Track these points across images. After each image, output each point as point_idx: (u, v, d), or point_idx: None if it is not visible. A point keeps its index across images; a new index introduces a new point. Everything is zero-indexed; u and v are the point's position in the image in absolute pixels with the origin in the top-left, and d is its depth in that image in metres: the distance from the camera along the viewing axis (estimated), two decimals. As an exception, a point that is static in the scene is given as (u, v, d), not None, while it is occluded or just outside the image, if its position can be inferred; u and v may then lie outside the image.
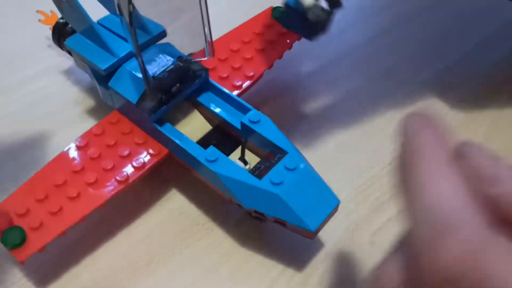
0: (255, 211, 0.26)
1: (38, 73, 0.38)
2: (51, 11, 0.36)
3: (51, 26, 0.35)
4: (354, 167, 0.33)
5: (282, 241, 0.30)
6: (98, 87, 0.31)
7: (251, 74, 0.33)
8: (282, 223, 0.26)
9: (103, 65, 0.29)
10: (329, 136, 0.35)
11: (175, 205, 0.31)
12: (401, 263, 0.17)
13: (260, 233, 0.30)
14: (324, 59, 0.40)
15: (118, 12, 0.24)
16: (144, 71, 0.26)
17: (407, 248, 0.17)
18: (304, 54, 0.39)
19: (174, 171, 0.32)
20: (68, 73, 0.38)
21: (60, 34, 0.33)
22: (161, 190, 0.32)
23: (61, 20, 0.33)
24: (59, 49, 0.36)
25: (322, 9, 0.26)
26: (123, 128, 0.30)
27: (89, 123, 0.35)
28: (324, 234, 0.29)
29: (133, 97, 0.28)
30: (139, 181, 0.29)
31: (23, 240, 0.25)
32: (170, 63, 0.28)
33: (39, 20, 0.36)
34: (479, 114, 0.36)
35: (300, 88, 0.38)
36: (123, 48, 0.29)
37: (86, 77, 0.37)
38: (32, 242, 0.25)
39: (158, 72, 0.28)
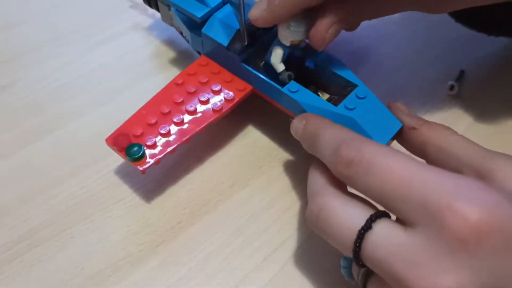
0: None
1: (123, 30, 0.43)
2: (138, -27, 0.41)
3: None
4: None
5: None
6: (189, 35, 0.36)
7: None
8: None
9: (199, 13, 0.33)
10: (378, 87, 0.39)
11: (250, 140, 0.36)
12: None
13: None
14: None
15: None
16: (244, 17, 0.31)
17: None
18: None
19: (248, 111, 0.37)
20: (150, 29, 0.43)
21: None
22: (239, 127, 0.37)
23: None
24: (139, 9, 0.41)
25: (289, 76, 0.32)
26: (213, 69, 0.35)
27: (172, 71, 0.40)
28: None
29: (225, 41, 0.33)
30: (228, 113, 0.34)
31: (143, 154, 0.30)
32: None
33: (126, -18, 0.41)
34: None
35: (355, 42, 0.42)
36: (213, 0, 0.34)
37: (166, 33, 0.42)
38: (149, 156, 0.30)
39: (247, 19, 0.33)
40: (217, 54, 0.35)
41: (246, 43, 0.32)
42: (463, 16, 0.39)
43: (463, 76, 0.39)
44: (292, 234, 0.32)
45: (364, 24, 0.43)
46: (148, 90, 0.37)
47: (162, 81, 0.39)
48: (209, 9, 0.34)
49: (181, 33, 0.37)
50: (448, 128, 0.27)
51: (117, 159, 0.34)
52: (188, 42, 0.37)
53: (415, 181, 0.21)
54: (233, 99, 0.33)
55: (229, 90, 0.34)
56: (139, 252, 0.31)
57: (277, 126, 0.36)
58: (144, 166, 0.30)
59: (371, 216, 0.22)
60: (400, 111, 0.29)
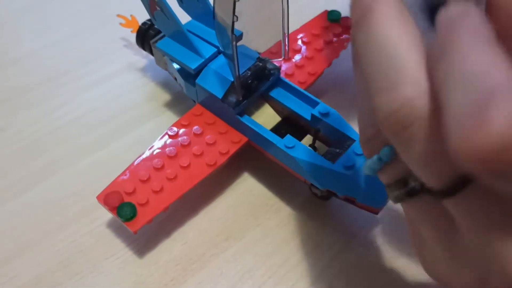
0: (328, 190, 0.31)
1: (117, 70, 0.42)
2: (131, 15, 0.40)
3: (132, 29, 0.39)
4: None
5: (344, 219, 0.34)
6: (183, 83, 0.35)
7: (313, 72, 0.37)
8: (352, 201, 0.30)
9: (193, 65, 0.33)
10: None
11: (246, 189, 0.35)
12: None
13: (323, 213, 0.34)
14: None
15: (216, 20, 0.28)
16: (237, 70, 0.30)
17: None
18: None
19: (244, 159, 0.36)
20: (144, 70, 0.42)
21: (144, 37, 0.37)
22: (234, 175, 0.36)
23: (145, 26, 0.38)
24: (133, 49, 0.40)
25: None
26: (207, 120, 0.34)
27: (166, 115, 0.39)
28: (383, 211, 0.34)
29: (219, 93, 0.32)
30: (223, 166, 0.33)
31: (134, 214, 0.29)
32: (252, 63, 0.32)
33: (120, 23, 0.40)
34: None
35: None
36: (208, 50, 0.33)
37: (160, 74, 0.41)
38: (141, 215, 0.30)
39: (242, 71, 0.32)
40: (211, 104, 0.34)
41: (240, 98, 0.32)
42: None
43: None
44: None
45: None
46: (141, 136, 0.37)
47: (156, 127, 0.38)
48: (203, 60, 0.33)
49: (175, 79, 0.37)
50: None
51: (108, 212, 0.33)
52: (182, 88, 0.36)
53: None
54: (227, 152, 0.33)
55: (224, 143, 0.33)
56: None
57: (273, 173, 0.36)
58: (136, 227, 0.29)
59: None
60: None
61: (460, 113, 0.13)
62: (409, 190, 0.19)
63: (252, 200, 0.35)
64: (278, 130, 0.34)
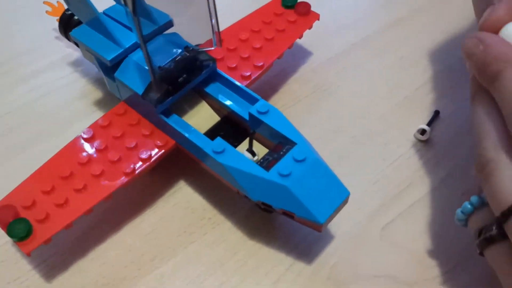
0: (263, 203, 0.26)
1: (46, 66, 0.38)
2: (57, 1, 0.36)
3: (58, 18, 0.35)
4: (366, 160, 0.32)
5: (291, 234, 0.29)
6: (104, 78, 0.30)
7: (260, 64, 0.32)
8: (290, 215, 0.25)
9: (109, 55, 0.28)
10: (341, 129, 0.34)
11: (181, 199, 0.31)
12: None
13: (268, 227, 0.30)
14: (337, 49, 0.39)
15: (122, 1, 0.24)
16: (149, 61, 0.25)
17: None
18: (315, 44, 0.39)
19: (181, 164, 0.31)
20: (76, 64, 0.38)
21: (67, 25, 0.33)
22: (168, 183, 0.32)
23: (68, 12, 0.33)
24: (67, 40, 0.36)
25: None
26: (130, 120, 0.29)
27: (98, 115, 0.34)
28: (333, 227, 0.29)
29: (139, 88, 0.28)
30: (146, 173, 0.28)
31: (29, 232, 0.25)
32: (177, 53, 0.28)
33: (46, 11, 0.36)
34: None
35: (311, 79, 0.37)
36: (129, 38, 0.29)
37: (94, 69, 0.36)
38: (38, 234, 0.25)
39: (164, 63, 0.27)
40: (134, 102, 0.29)
41: (159, 94, 0.27)
42: None
43: (437, 119, 0.34)
44: None
45: (325, 57, 0.38)
46: (70, 139, 0.32)
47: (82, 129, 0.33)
48: (122, 50, 0.28)
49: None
50: None
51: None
52: (107, 86, 0.32)
53: None
54: (149, 157, 0.28)
55: (147, 147, 0.28)
56: None
57: (213, 181, 0.31)
58: (30, 248, 0.24)
59: None
60: None
61: None
62: (491, 235, 0.22)
63: (186, 213, 0.30)
64: (216, 132, 0.29)
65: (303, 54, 0.38)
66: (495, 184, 0.21)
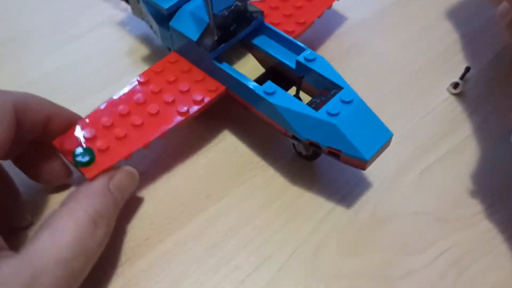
0: (310, 143, 0.27)
1: (95, 25, 0.39)
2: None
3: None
4: (401, 113, 0.34)
5: (332, 180, 0.31)
6: (158, 29, 0.32)
7: (302, 21, 0.34)
8: (336, 154, 0.27)
9: (166, 4, 0.30)
10: (375, 85, 0.35)
11: (228, 146, 0.32)
12: None
13: (310, 173, 0.31)
14: (371, 12, 0.40)
15: None
16: (211, 7, 0.27)
17: None
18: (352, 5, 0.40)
19: (226, 113, 0.33)
20: (122, 24, 0.39)
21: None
22: (215, 130, 0.33)
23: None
24: (111, 2, 0.37)
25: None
26: (182, 67, 0.31)
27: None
28: (373, 172, 0.30)
29: (194, 35, 0.29)
30: (195, 119, 0.30)
31: (91, 159, 0.26)
32: (231, 3, 0.29)
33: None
34: None
35: (346, 40, 0.38)
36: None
37: (141, 28, 0.38)
38: (100, 162, 0.26)
39: (219, 10, 0.29)
40: (187, 50, 0.31)
41: (216, 37, 0.29)
42: None
43: (468, 74, 0.35)
44: (273, 252, 0.28)
45: (358, 19, 0.39)
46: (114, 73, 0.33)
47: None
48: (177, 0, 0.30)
49: (151, 27, 0.34)
50: None
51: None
52: (158, 37, 0.33)
53: None
54: (202, 100, 0.29)
55: (199, 91, 0.30)
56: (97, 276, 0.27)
57: (255, 131, 0.33)
58: (93, 174, 0.26)
59: None
60: None
61: None
62: None
63: (235, 158, 0.32)
64: (261, 81, 0.31)
65: (338, 16, 0.40)
66: None
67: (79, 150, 0.26)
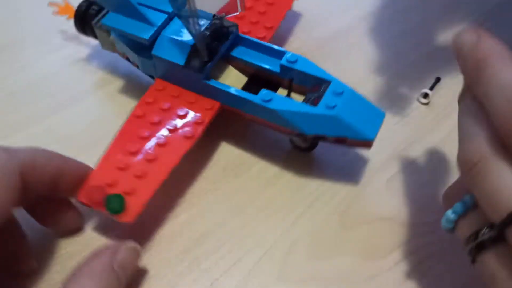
0: (315, 137, 0.30)
1: (59, 66, 0.39)
2: (63, 0, 0.37)
3: (68, 15, 0.36)
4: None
5: (302, 185, 0.32)
6: (137, 59, 0.32)
7: (270, 26, 0.36)
8: (343, 140, 0.29)
9: (146, 35, 0.30)
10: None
11: (203, 153, 0.33)
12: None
13: (281, 179, 0.32)
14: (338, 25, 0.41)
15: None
16: (197, 29, 0.28)
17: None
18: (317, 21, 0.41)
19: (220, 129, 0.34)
20: (88, 59, 0.39)
21: (84, 19, 0.34)
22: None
23: (81, 7, 0.35)
24: (72, 41, 0.37)
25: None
26: (172, 92, 0.32)
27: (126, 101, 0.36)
28: (344, 177, 0.32)
29: (180, 60, 0.30)
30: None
31: (124, 204, 0.27)
32: (207, 23, 0.30)
33: (53, 12, 0.37)
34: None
35: (308, 39, 0.40)
36: (158, 17, 0.31)
37: (106, 60, 0.38)
38: (132, 204, 0.27)
39: (199, 32, 0.30)
40: (173, 75, 0.32)
41: (206, 58, 0.30)
42: None
43: (438, 84, 0.37)
44: (243, 256, 0.29)
45: (334, 28, 0.40)
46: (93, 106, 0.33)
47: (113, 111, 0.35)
48: (156, 27, 0.31)
49: (128, 59, 0.34)
50: None
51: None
52: (137, 67, 0.34)
53: None
54: (203, 120, 0.31)
55: (196, 112, 0.31)
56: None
57: (232, 139, 0.34)
58: (130, 218, 0.27)
59: None
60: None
61: (504, 107, 0.19)
62: (483, 240, 0.20)
63: (209, 165, 0.33)
64: (248, 89, 0.32)
65: (301, 18, 0.41)
66: (491, 186, 0.19)
67: (108, 198, 0.27)
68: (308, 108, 0.29)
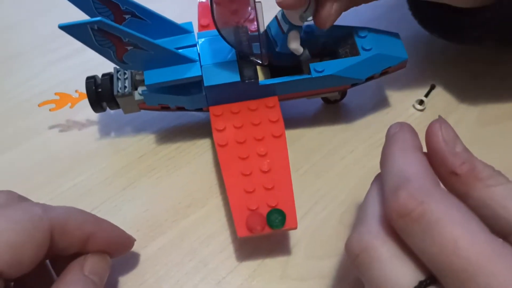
0: (367, 78, 0.34)
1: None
2: (55, 93, 0.34)
3: (70, 104, 0.34)
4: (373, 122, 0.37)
5: (304, 187, 0.34)
6: (186, 99, 0.33)
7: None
8: (386, 72, 0.34)
9: (196, 72, 0.31)
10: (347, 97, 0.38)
11: (209, 158, 0.35)
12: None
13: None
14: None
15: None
16: (265, 43, 0.30)
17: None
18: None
19: (209, 126, 0.34)
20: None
21: (99, 95, 0.33)
22: (198, 143, 0.36)
23: (90, 89, 0.33)
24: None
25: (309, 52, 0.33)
26: (232, 110, 0.33)
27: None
28: (340, 182, 0.34)
29: (235, 77, 0.32)
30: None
31: (284, 214, 0.28)
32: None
33: (50, 109, 0.34)
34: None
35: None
36: (191, 52, 0.32)
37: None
38: (285, 209, 0.28)
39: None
40: (225, 96, 0.33)
41: (267, 62, 0.31)
42: (426, 20, 0.38)
43: (433, 91, 0.38)
44: (248, 256, 0.31)
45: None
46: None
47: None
48: (197, 62, 0.32)
49: (167, 107, 0.34)
50: (498, 174, 0.22)
51: (69, 179, 0.34)
52: (178, 109, 0.34)
53: (481, 274, 0.18)
54: (278, 118, 0.33)
55: (266, 114, 0.33)
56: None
57: None
58: (295, 221, 0.28)
59: (420, 283, 0.20)
60: (440, 142, 0.23)
61: (389, 191, 0.21)
62: None
63: (215, 170, 0.35)
64: (278, 75, 0.34)
65: None
66: (376, 277, 0.20)
67: (268, 217, 0.28)
68: (355, 59, 0.33)
